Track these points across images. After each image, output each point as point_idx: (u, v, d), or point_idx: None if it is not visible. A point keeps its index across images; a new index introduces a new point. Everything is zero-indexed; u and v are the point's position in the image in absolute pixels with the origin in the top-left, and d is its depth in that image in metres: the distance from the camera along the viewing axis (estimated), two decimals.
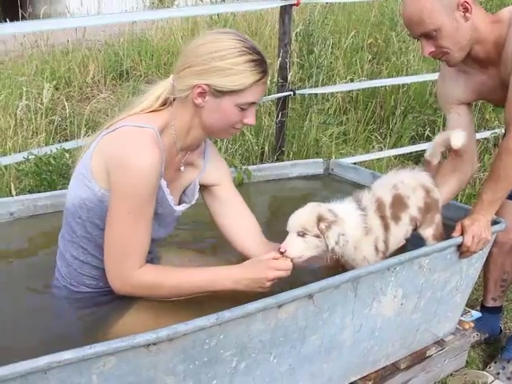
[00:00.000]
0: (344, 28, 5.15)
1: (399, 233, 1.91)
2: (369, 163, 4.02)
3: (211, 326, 1.33)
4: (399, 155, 4.31)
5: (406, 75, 4.85)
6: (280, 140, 3.82)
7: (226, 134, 1.78)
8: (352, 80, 4.74)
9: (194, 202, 1.90)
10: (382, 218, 1.86)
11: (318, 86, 4.19)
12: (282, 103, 3.80)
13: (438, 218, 1.99)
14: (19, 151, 3.37)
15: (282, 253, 1.67)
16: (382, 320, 1.90)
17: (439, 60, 2.14)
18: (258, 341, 1.49)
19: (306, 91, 3.99)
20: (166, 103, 1.71)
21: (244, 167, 2.79)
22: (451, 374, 2.39)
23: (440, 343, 2.27)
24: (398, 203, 1.90)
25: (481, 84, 2.19)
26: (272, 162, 3.78)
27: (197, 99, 1.62)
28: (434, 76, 4.43)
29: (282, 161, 3.68)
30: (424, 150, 4.17)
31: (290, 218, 1.76)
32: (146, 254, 1.63)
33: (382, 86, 4.81)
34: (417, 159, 4.45)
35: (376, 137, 4.52)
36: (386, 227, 1.86)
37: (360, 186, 2.93)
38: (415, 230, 1.99)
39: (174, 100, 1.70)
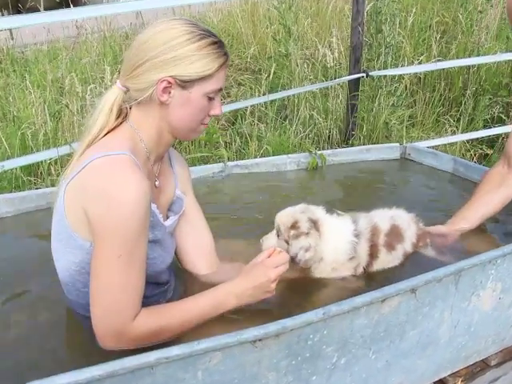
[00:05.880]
0: (410, 6, 4.94)
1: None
2: (441, 148, 3.86)
3: (317, 321, 1.26)
4: (472, 139, 4.11)
5: (478, 55, 4.61)
6: (350, 123, 3.70)
7: (194, 133, 1.59)
8: (420, 61, 4.55)
9: (181, 213, 1.73)
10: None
11: (386, 66, 4.04)
12: (354, 85, 3.67)
13: None
14: None
15: None
16: (478, 315, 1.80)
17: None
18: (359, 336, 1.43)
19: (380, 73, 3.83)
20: (120, 115, 1.52)
21: (319, 152, 2.71)
22: None
23: None
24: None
25: None
26: (341, 145, 3.69)
27: (162, 96, 1.45)
28: (509, 56, 4.21)
29: (353, 144, 3.58)
30: (499, 135, 3.97)
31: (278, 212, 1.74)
32: (141, 299, 1.42)
33: (450, 67, 4.59)
34: (489, 144, 4.24)
35: (447, 119, 4.33)
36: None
37: (439, 172, 2.83)
38: None
39: (130, 108, 1.51)
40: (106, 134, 1.50)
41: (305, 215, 1.71)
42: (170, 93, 1.46)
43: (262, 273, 1.50)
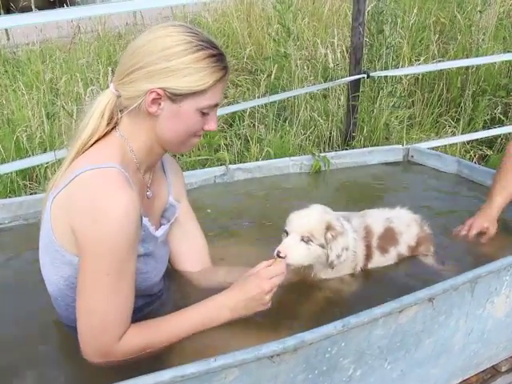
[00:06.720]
0: (409, 6, 4.90)
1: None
2: (441, 149, 3.82)
3: (336, 334, 1.22)
4: (472, 140, 4.08)
5: (477, 56, 4.57)
6: (351, 125, 3.65)
7: (185, 146, 1.51)
8: (419, 62, 4.51)
9: (172, 220, 1.66)
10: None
11: (387, 67, 4.00)
12: (355, 86, 3.62)
13: None
14: None
15: (279, 256, 1.51)
16: (492, 322, 1.77)
17: None
18: (376, 347, 1.39)
19: (381, 73, 3.78)
20: (111, 122, 1.44)
21: (322, 155, 2.66)
22: None
23: None
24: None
25: None
26: (342, 147, 3.65)
27: (151, 107, 1.37)
28: (508, 56, 4.18)
29: (354, 146, 3.54)
30: (498, 135, 3.93)
31: (292, 217, 1.62)
32: (130, 316, 1.36)
33: (448, 68, 4.56)
34: (488, 145, 4.22)
35: (447, 120, 4.30)
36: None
37: (443, 174, 2.80)
38: None
39: (120, 117, 1.44)
40: (95, 142, 1.42)
41: (331, 215, 1.64)
42: (159, 104, 1.38)
43: (256, 284, 1.43)
